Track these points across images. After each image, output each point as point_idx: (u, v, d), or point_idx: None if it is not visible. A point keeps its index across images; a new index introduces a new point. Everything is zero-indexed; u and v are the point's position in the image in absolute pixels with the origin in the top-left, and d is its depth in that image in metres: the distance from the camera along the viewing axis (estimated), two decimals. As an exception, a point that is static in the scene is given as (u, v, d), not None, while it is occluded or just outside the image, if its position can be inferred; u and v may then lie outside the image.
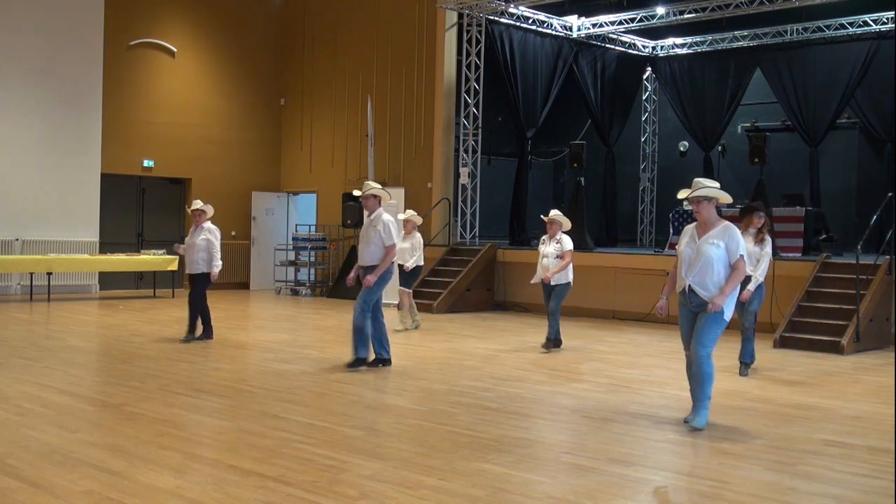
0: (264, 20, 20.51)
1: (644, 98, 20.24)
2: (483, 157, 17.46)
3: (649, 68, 19.76)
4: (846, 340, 11.05)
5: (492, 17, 16.60)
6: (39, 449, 5.65)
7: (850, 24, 16.53)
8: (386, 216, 9.01)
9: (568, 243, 10.61)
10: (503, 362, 9.84)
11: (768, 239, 9.07)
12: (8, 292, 16.47)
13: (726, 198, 6.56)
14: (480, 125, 17.09)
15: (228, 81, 19.89)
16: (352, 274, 9.33)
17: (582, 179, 16.33)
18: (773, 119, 17.98)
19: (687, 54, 19.08)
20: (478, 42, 16.75)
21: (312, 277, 19.30)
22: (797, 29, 17.21)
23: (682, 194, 6.69)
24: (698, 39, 18.71)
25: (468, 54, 16.83)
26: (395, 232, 8.99)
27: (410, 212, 12.71)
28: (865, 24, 16.40)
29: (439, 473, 5.28)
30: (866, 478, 5.47)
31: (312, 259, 19.36)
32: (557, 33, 17.74)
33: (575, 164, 16.43)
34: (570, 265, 10.60)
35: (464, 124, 17.00)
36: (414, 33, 18.02)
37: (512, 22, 16.88)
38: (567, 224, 10.79)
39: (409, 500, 4.76)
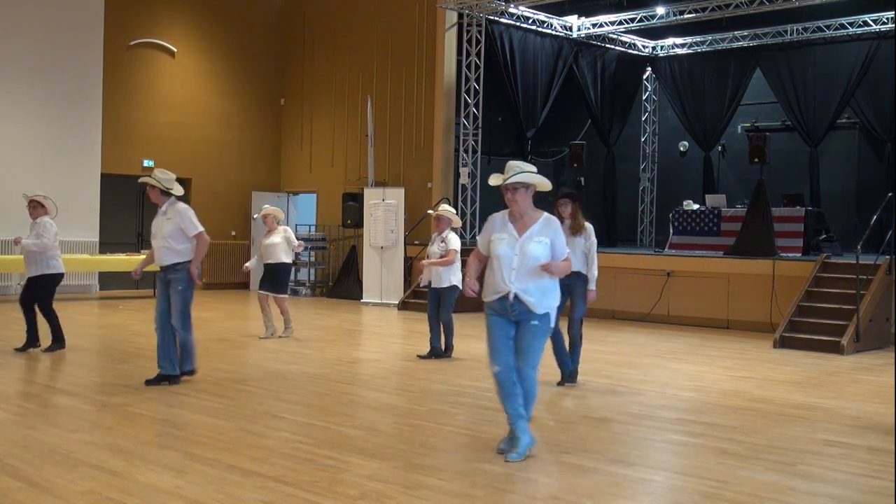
0: (264, 20, 20.52)
1: (644, 98, 20.21)
2: (483, 157, 17.44)
3: (649, 68, 19.74)
4: (846, 340, 11.05)
5: (492, 17, 16.59)
6: (39, 449, 5.64)
7: (850, 24, 16.51)
8: (181, 204, 8.11)
9: (453, 242, 9.68)
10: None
11: (589, 227, 7.99)
12: (8, 292, 16.45)
13: (546, 184, 5.75)
14: (480, 125, 17.07)
15: (228, 81, 19.90)
16: (137, 267, 8.46)
17: (582, 179, 16.33)
18: (773, 119, 17.96)
19: (687, 54, 19.06)
20: (478, 42, 16.74)
21: (312, 277, 19.31)
22: (797, 29, 17.19)
23: (494, 180, 5.76)
24: (698, 39, 18.69)
25: (468, 54, 16.82)
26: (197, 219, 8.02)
27: (268, 207, 11.75)
28: (865, 24, 16.38)
29: (439, 473, 5.28)
30: (866, 478, 5.47)
31: (312, 259, 19.36)
32: (557, 33, 17.73)
33: (575, 164, 16.44)
34: (458, 267, 9.60)
35: (464, 124, 16.99)
36: (414, 33, 18.01)
37: (512, 22, 16.88)
38: (457, 221, 9.92)
39: (409, 500, 4.76)
